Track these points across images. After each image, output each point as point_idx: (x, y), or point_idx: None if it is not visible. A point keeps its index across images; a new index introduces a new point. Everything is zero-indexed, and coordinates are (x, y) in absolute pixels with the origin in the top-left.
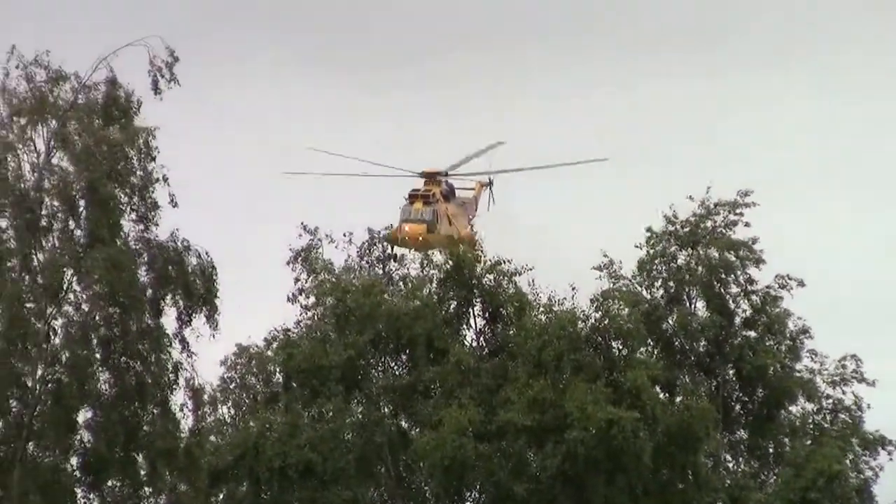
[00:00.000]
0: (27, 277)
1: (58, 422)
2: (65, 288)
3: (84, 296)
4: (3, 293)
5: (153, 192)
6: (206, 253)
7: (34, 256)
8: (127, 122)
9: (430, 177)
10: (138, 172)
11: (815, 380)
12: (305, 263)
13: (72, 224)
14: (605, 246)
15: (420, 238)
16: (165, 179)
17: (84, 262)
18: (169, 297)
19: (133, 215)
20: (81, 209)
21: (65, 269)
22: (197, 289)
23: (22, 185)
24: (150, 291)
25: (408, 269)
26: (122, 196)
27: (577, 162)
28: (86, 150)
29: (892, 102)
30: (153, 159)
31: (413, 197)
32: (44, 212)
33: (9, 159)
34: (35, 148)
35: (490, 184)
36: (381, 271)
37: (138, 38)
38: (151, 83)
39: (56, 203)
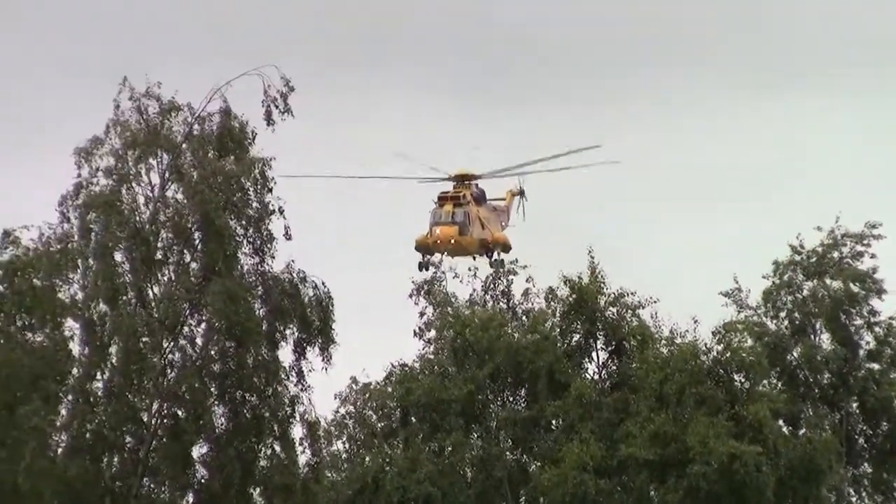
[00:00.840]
0: (143, 312)
1: (174, 457)
2: (180, 322)
3: (200, 329)
4: (118, 328)
5: (269, 223)
6: (322, 284)
7: (149, 290)
8: (242, 153)
9: (461, 180)
10: (254, 204)
11: None
12: (428, 297)
13: (187, 257)
14: (717, 277)
15: (452, 241)
16: (281, 211)
17: (200, 295)
18: (285, 329)
19: (249, 247)
20: (197, 242)
21: (180, 303)
22: (313, 321)
23: (136, 219)
24: (265, 324)
25: (532, 303)
26: (238, 228)
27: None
28: (200, 181)
29: None
30: (269, 190)
31: (443, 199)
32: (159, 245)
33: (123, 192)
34: (149, 180)
35: (521, 193)
36: (505, 305)
37: (254, 66)
38: (265, 113)
39: (171, 236)
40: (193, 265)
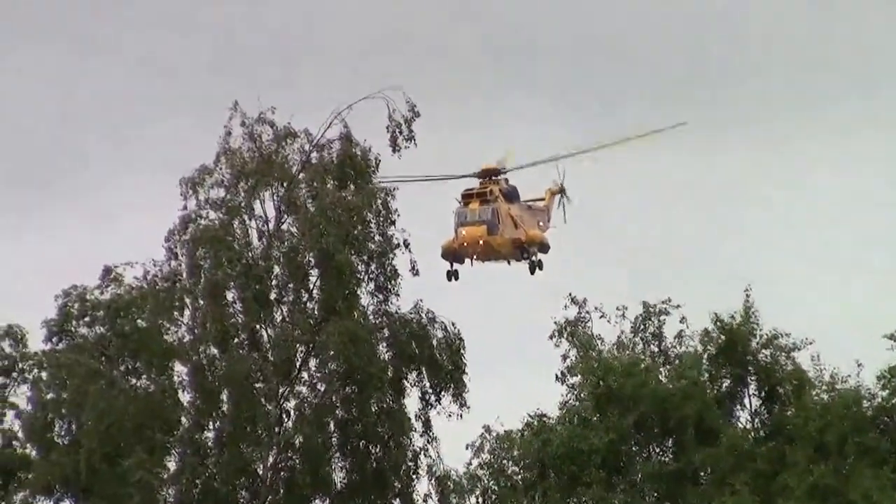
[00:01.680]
0: (256, 355)
1: None
2: (297, 366)
3: (319, 374)
4: (230, 372)
5: (393, 258)
6: (453, 325)
7: (263, 332)
8: (363, 183)
9: (487, 175)
10: (376, 237)
11: None
12: (572, 338)
13: (304, 296)
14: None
15: (480, 242)
16: (406, 245)
17: (318, 337)
18: (412, 374)
19: (371, 285)
20: (314, 279)
21: (297, 346)
22: (442, 365)
23: (249, 254)
24: (390, 369)
25: (685, 346)
26: (360, 264)
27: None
28: (318, 213)
29: None
30: (392, 223)
31: (467, 197)
32: (273, 283)
33: (234, 226)
34: (262, 213)
35: (562, 191)
36: (656, 349)
37: (378, 90)
38: (390, 140)
39: (286, 273)
40: (310, 304)
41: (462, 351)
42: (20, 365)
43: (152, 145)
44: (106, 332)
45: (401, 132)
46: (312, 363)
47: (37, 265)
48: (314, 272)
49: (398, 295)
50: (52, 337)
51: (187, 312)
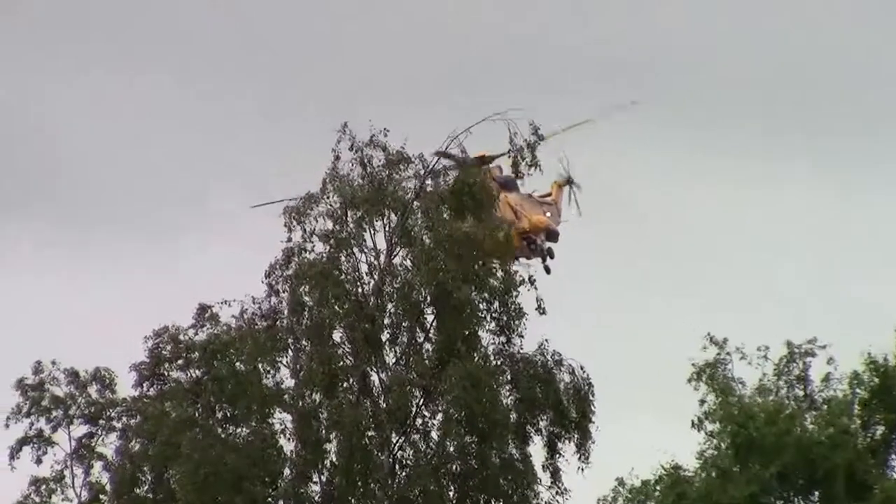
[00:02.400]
0: (367, 401)
1: None
2: (412, 413)
3: (435, 422)
4: (338, 420)
5: (517, 296)
6: (581, 368)
7: (375, 376)
8: (484, 213)
9: (479, 163)
10: (498, 273)
11: None
12: (711, 382)
13: (419, 336)
14: None
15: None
16: (532, 281)
17: (435, 381)
18: (537, 421)
19: (493, 324)
20: (430, 318)
21: (412, 391)
22: (569, 412)
23: (359, 290)
24: (514, 415)
25: (833, 390)
26: (480, 301)
27: None
28: (435, 246)
29: None
30: (516, 258)
31: None
32: (385, 322)
33: (342, 259)
34: (374, 246)
35: (570, 182)
36: (801, 393)
37: (500, 110)
38: (511, 166)
39: (400, 311)
40: (427, 346)
41: (591, 398)
42: (108, 412)
43: (252, 170)
44: (201, 375)
45: (523, 158)
46: (429, 410)
47: (125, 303)
48: (431, 311)
49: (522, 336)
50: (142, 382)
51: (290, 355)
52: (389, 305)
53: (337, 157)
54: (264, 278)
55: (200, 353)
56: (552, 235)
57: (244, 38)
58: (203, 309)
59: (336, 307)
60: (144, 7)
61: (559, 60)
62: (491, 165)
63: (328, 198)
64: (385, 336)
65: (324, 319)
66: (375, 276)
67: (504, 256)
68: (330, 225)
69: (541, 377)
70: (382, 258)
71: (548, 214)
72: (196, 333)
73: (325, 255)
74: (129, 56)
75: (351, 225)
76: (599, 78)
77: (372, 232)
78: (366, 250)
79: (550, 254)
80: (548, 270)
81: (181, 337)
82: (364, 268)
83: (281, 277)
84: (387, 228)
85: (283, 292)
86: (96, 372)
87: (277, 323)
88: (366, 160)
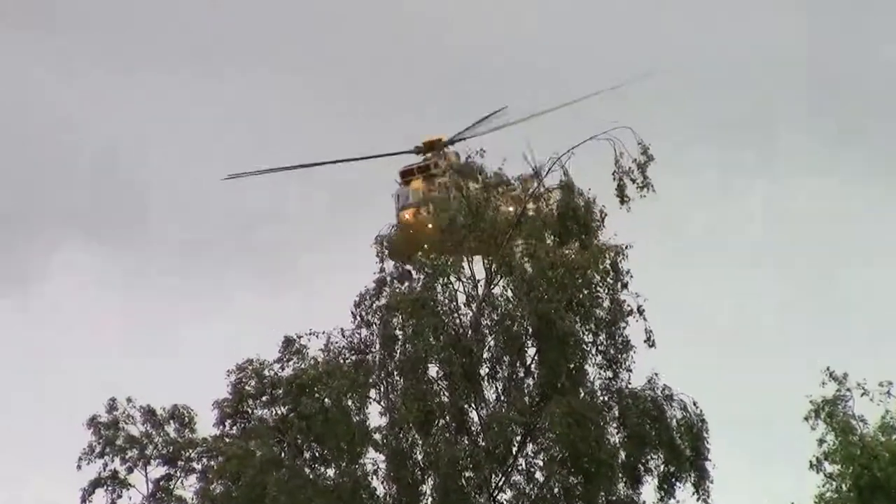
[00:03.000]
0: (465, 440)
1: None
2: (513, 451)
3: (538, 461)
4: (434, 460)
5: (624, 327)
6: (694, 403)
7: (473, 413)
8: (589, 239)
9: (431, 149)
10: (604, 303)
11: None
12: (830, 420)
13: (520, 370)
14: None
15: (429, 225)
16: (640, 312)
17: (537, 418)
18: (647, 460)
19: (599, 357)
20: (532, 351)
21: (513, 428)
22: (682, 450)
23: (457, 322)
24: (622, 454)
25: None
26: (585, 333)
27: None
28: (537, 275)
29: None
30: (624, 286)
31: (407, 173)
32: (485, 355)
33: (437, 289)
34: (471, 274)
35: (535, 175)
36: None
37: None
38: (617, 188)
39: (499, 344)
40: (528, 380)
41: (705, 434)
42: (187, 452)
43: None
44: (287, 413)
45: (631, 179)
46: (530, 448)
47: (206, 337)
48: (532, 343)
49: (630, 370)
50: (224, 420)
51: (382, 390)
52: (488, 338)
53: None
54: (354, 308)
55: (286, 389)
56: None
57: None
58: (289, 342)
59: (431, 340)
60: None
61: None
62: (448, 150)
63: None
64: (484, 370)
65: (418, 353)
66: (473, 307)
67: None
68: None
69: (650, 413)
70: (480, 288)
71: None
72: (281, 368)
73: (418, 285)
74: None
75: (447, 253)
76: None
77: (469, 260)
78: (463, 280)
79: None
80: None
81: (266, 372)
82: (461, 298)
83: (372, 308)
84: (485, 256)
85: (375, 324)
86: (174, 409)
87: (368, 357)
88: (461, 183)
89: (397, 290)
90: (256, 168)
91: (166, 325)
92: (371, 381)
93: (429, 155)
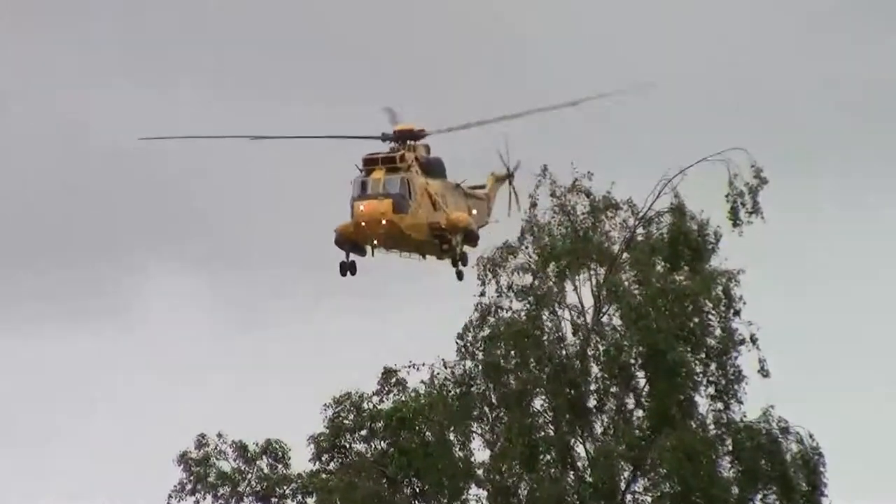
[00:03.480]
0: (571, 474)
1: None
2: (622, 487)
3: (647, 497)
4: (538, 496)
5: (737, 357)
6: (811, 436)
7: (580, 446)
8: (700, 265)
9: (402, 138)
10: (716, 331)
11: None
12: None
13: (629, 402)
14: None
15: (383, 221)
16: (754, 341)
17: (646, 452)
18: (762, 496)
19: (711, 389)
20: (642, 382)
21: (621, 463)
22: (797, 486)
23: (561, 352)
24: (735, 489)
25: None
26: (696, 364)
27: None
28: (646, 302)
29: None
30: (736, 313)
31: (370, 163)
32: (591, 386)
33: (543, 318)
34: (578, 302)
35: (510, 176)
36: None
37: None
38: (730, 212)
39: (607, 375)
40: (638, 413)
41: (822, 468)
42: (282, 488)
43: None
44: (387, 447)
45: (743, 203)
46: (640, 484)
47: (300, 368)
48: (641, 374)
49: (742, 401)
50: (320, 455)
51: (485, 424)
52: (595, 369)
53: (534, 204)
54: (457, 340)
55: (386, 423)
56: (470, 238)
57: None
58: (388, 373)
59: (536, 371)
60: None
61: None
62: (418, 143)
63: (526, 248)
64: (591, 403)
65: (523, 385)
66: (580, 337)
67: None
68: (528, 279)
69: (765, 447)
70: (588, 316)
71: (474, 212)
72: (381, 401)
73: (523, 313)
74: None
75: (552, 279)
76: None
77: (576, 287)
78: (569, 308)
79: (463, 260)
80: (460, 276)
81: (364, 405)
82: (567, 327)
83: (475, 338)
84: (592, 283)
85: (479, 355)
86: (267, 444)
87: (472, 389)
88: (568, 207)
89: (501, 320)
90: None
91: (256, 352)
92: (474, 414)
93: (395, 145)
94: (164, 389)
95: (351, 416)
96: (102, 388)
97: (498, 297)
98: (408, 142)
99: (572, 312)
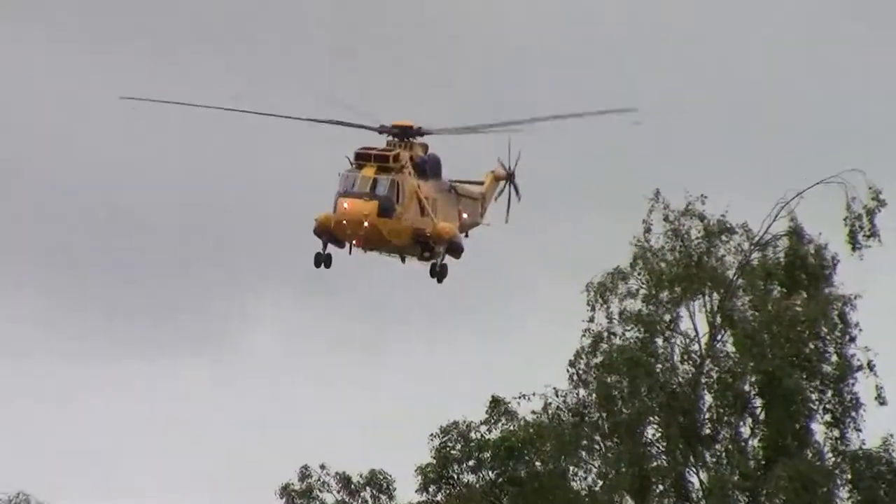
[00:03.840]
0: None
1: None
2: None
3: None
4: None
5: (854, 384)
6: None
7: (693, 476)
8: (816, 290)
9: (400, 134)
10: (833, 358)
11: None
12: None
13: (744, 430)
14: None
15: (366, 224)
16: (871, 367)
17: (763, 482)
18: None
19: (827, 416)
20: (757, 409)
21: (736, 493)
22: None
23: (674, 379)
24: None
25: None
26: (812, 391)
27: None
28: (761, 328)
29: None
30: (852, 340)
31: (362, 157)
32: (705, 415)
33: (658, 344)
34: (693, 329)
35: (511, 176)
36: None
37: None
38: (848, 235)
39: (721, 403)
40: (753, 442)
41: None
42: None
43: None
44: (496, 477)
45: (861, 226)
46: None
47: (406, 397)
48: (757, 401)
49: (859, 430)
50: (427, 485)
51: (598, 453)
52: (709, 397)
53: (647, 229)
54: (569, 367)
55: (495, 453)
56: (454, 249)
57: None
58: (496, 402)
59: (647, 400)
60: None
61: None
62: (419, 140)
63: (638, 274)
64: (705, 431)
65: (636, 414)
66: (693, 364)
67: None
68: (639, 305)
69: (885, 476)
70: (701, 343)
71: (464, 216)
72: (489, 430)
73: (635, 340)
74: None
75: (665, 305)
76: None
77: (689, 313)
78: (682, 334)
79: (442, 272)
80: (434, 277)
81: (472, 434)
82: (678, 354)
83: (587, 366)
84: (706, 309)
85: (591, 382)
86: (372, 475)
87: (584, 418)
88: (681, 232)
89: (613, 346)
90: None
91: (361, 381)
92: (584, 443)
93: (391, 138)
94: (267, 420)
95: (458, 446)
96: (205, 417)
97: (609, 323)
98: (406, 139)
99: (685, 339)
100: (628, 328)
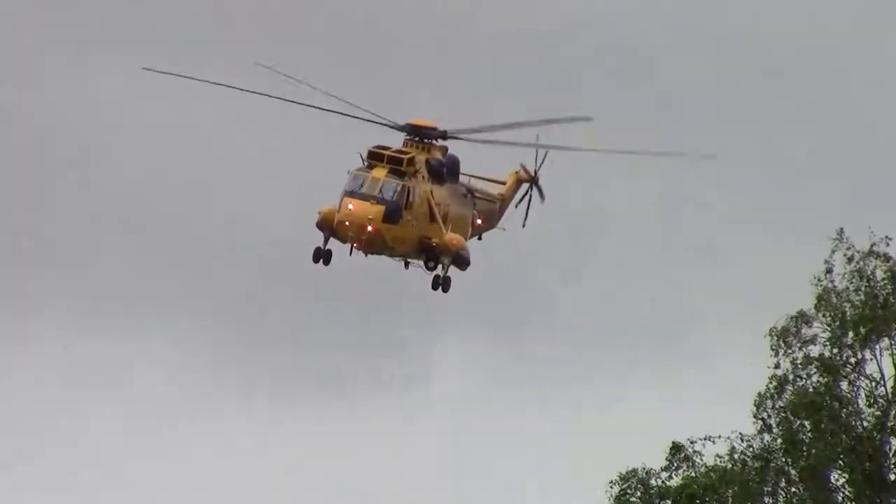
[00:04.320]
0: None
1: None
2: None
3: None
4: None
5: None
6: None
7: None
8: None
9: (418, 134)
10: None
11: None
12: None
13: None
14: None
15: (369, 228)
16: None
17: None
18: None
19: None
20: None
21: None
22: None
23: (859, 424)
24: None
25: None
26: None
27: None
28: None
29: None
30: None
31: (375, 157)
32: (892, 460)
33: (842, 388)
34: (879, 371)
35: (535, 179)
36: None
37: None
38: None
39: None
40: None
41: None
42: None
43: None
44: None
45: None
46: None
47: (583, 444)
48: None
49: None
50: None
51: (782, 499)
52: (894, 441)
53: (829, 270)
54: (755, 410)
55: (674, 499)
56: (461, 262)
57: None
58: (677, 448)
59: (831, 443)
60: None
61: None
62: (439, 143)
63: (822, 317)
64: (891, 477)
65: (820, 459)
66: (878, 408)
67: None
68: (822, 348)
69: None
70: (887, 386)
71: (478, 221)
72: (669, 477)
73: (819, 384)
74: None
75: (849, 348)
76: None
77: (875, 356)
78: (868, 377)
79: (445, 284)
80: (435, 289)
81: (652, 481)
82: (863, 398)
83: (772, 409)
84: (893, 351)
85: (776, 426)
86: None
87: (770, 463)
88: (867, 273)
89: (798, 389)
90: None
91: (536, 429)
92: (770, 489)
93: (409, 138)
94: (434, 470)
95: (638, 493)
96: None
97: (794, 367)
98: (424, 140)
99: (871, 382)
100: (812, 371)
